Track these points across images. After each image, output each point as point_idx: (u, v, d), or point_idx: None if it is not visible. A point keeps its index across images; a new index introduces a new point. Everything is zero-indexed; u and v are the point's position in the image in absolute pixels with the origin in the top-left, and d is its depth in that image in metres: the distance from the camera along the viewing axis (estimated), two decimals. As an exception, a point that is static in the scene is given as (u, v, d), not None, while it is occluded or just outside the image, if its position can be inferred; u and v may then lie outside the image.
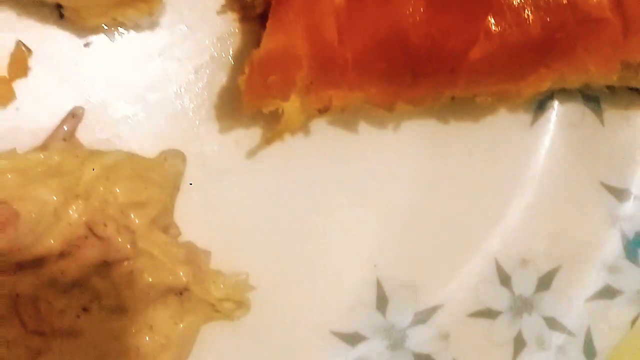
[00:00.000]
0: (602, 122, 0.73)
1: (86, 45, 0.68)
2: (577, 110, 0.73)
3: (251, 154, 0.69)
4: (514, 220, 0.72)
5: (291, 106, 0.63)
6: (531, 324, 0.71)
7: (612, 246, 0.72)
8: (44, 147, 0.65)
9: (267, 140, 0.67)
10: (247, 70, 0.61)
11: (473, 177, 0.73)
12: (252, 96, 0.61)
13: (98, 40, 0.68)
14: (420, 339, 0.71)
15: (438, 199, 0.72)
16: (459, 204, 0.72)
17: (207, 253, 0.67)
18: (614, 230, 0.72)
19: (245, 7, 0.69)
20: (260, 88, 0.61)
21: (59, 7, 0.66)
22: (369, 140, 0.71)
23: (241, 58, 0.69)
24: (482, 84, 0.65)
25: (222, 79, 0.69)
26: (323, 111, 0.63)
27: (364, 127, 0.71)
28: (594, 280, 0.71)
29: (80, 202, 0.61)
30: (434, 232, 0.72)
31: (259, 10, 0.67)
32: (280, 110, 0.64)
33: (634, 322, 0.71)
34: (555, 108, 0.73)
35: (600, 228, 0.72)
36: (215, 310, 0.66)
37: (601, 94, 0.73)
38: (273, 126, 0.65)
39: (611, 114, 0.73)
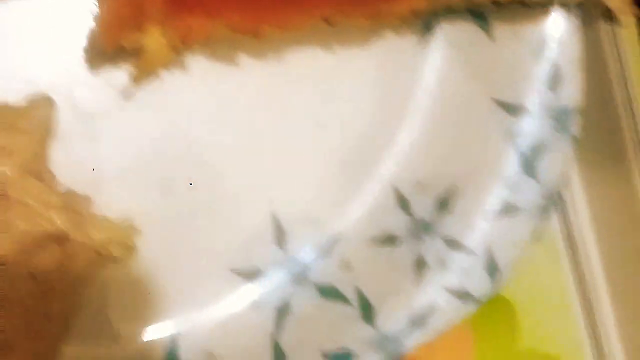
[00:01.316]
0: (492, 38, 0.72)
1: None
2: (466, 28, 0.72)
3: (126, 94, 0.67)
4: (408, 144, 0.72)
5: (152, 39, 0.61)
6: (432, 247, 0.70)
7: (510, 163, 0.71)
8: None
9: (135, 79, 0.65)
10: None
11: (363, 102, 0.71)
12: (107, 28, 0.59)
13: None
14: (323, 270, 0.70)
15: (329, 127, 0.71)
16: (351, 130, 0.71)
17: (87, 199, 0.65)
18: (510, 147, 0.71)
19: None
20: (113, 18, 0.58)
21: None
22: (251, 73, 0.69)
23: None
24: (350, 3, 0.63)
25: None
26: (186, 42, 0.61)
27: (245, 60, 0.69)
28: (493, 199, 0.71)
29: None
30: (327, 160, 0.71)
31: None
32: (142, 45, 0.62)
33: (535, 236, 0.70)
34: (443, 28, 0.72)
35: (497, 145, 0.71)
36: (100, 255, 0.64)
37: (488, 10, 0.71)
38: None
39: (501, 29, 0.72)
